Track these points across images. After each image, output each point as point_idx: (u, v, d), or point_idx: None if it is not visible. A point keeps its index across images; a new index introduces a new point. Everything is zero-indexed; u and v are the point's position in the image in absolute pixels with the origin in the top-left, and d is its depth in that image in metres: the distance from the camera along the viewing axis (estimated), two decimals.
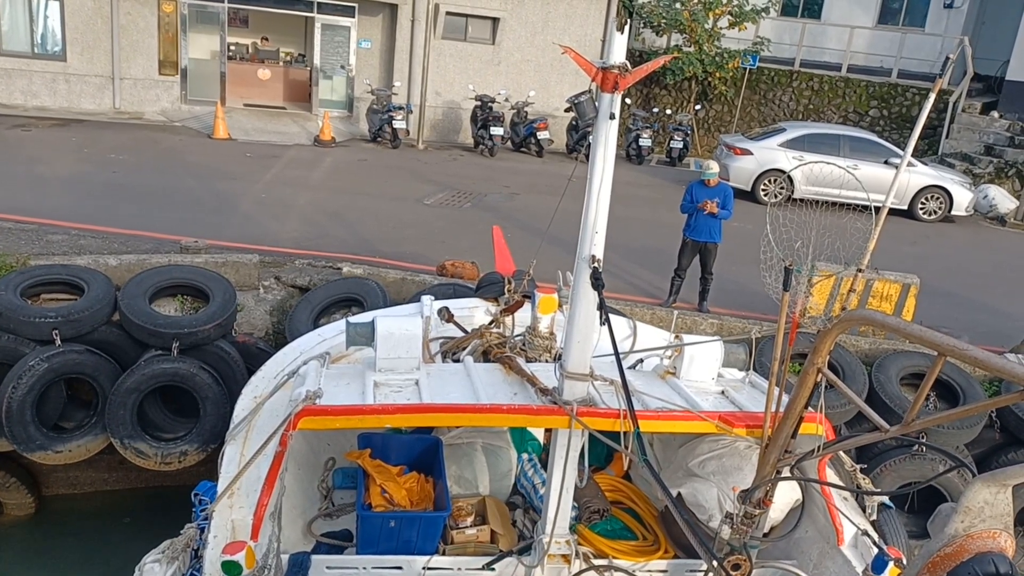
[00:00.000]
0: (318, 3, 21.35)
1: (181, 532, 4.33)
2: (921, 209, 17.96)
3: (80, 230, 11.24)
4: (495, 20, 22.18)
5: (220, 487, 4.46)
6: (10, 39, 19.51)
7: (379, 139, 20.24)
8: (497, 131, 20.36)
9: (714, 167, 10.75)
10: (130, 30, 19.98)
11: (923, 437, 8.50)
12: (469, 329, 6.11)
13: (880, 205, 5.75)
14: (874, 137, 19.06)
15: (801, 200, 5.11)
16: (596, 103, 4.13)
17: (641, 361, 5.82)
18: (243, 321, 9.53)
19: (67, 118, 19.06)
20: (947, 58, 8.99)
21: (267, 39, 23.69)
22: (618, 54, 3.95)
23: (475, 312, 6.77)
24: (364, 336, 4.93)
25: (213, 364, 8.58)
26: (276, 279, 10.22)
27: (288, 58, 23.87)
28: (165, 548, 4.20)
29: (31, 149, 16.02)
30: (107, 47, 19.87)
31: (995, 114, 22.01)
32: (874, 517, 4.98)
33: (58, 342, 8.25)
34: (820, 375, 3.42)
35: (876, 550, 4.48)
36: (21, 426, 8.14)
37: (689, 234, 10.81)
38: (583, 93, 18.81)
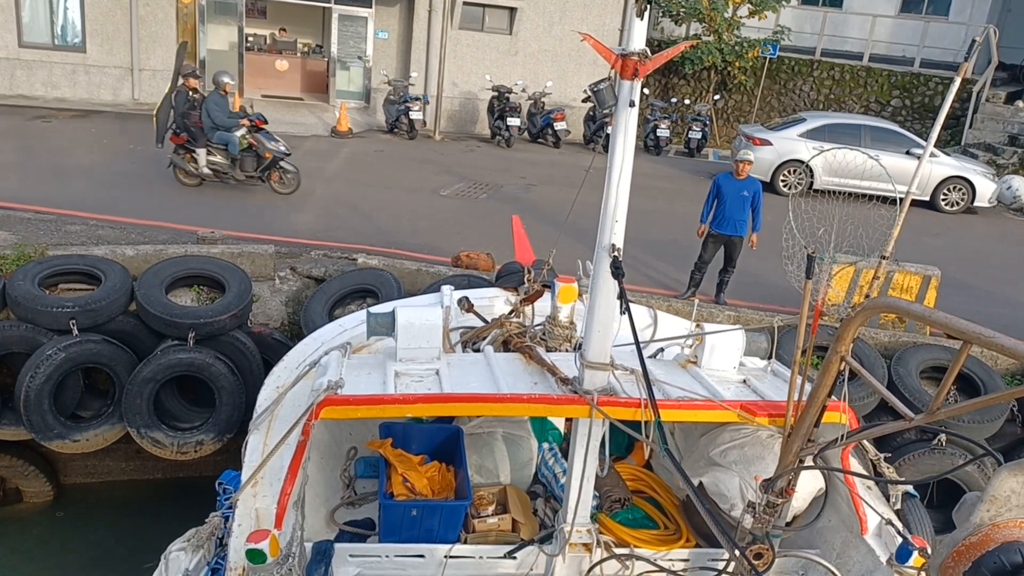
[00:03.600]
0: None
1: (206, 521, 4.35)
2: (943, 200, 17.76)
3: (98, 220, 11.33)
4: (512, 10, 22.11)
5: (244, 476, 4.46)
6: (31, 31, 19.64)
7: (396, 130, 20.24)
8: (514, 122, 20.31)
9: (750, 153, 10.71)
10: (149, 21, 20.07)
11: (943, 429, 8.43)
12: (489, 319, 6.09)
13: (902, 196, 5.67)
14: (896, 127, 18.86)
15: (822, 191, 5.06)
16: (615, 91, 4.09)
17: (662, 350, 5.78)
18: (259, 312, 9.56)
19: (87, 109, 19.18)
20: (973, 41, 8.82)
21: (285, 30, 23.74)
22: (638, 40, 3.91)
23: (495, 302, 6.74)
24: (385, 326, 4.93)
25: (229, 354, 8.62)
26: (292, 270, 10.25)
27: (306, 49, 23.91)
28: (190, 536, 4.22)
29: (51, 140, 16.14)
30: (126, 38, 19.96)
31: (1020, 104, 21.75)
32: (898, 506, 4.93)
33: (75, 332, 8.31)
34: (843, 363, 3.38)
35: (900, 539, 4.45)
36: (39, 415, 8.22)
37: (715, 227, 10.54)
38: (602, 81, 18.52)
